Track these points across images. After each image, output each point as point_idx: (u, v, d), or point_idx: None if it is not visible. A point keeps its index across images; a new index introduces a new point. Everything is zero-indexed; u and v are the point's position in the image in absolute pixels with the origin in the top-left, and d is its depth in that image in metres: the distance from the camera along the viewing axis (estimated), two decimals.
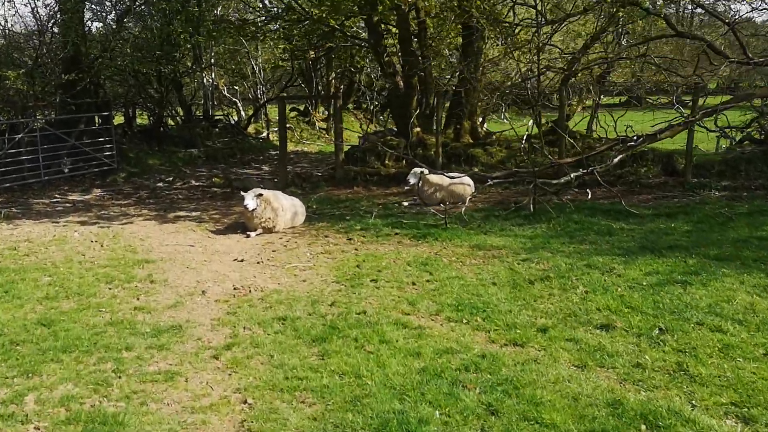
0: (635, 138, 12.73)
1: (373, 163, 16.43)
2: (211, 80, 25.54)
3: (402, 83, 16.69)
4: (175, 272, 8.60)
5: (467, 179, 13.43)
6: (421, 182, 13.26)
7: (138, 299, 7.45)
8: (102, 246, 10.14)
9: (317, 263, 8.93)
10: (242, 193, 11.24)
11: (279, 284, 7.96)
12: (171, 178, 18.39)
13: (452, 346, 5.79)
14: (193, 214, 13.23)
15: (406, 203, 13.47)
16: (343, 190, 15.79)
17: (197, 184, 17.84)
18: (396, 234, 10.57)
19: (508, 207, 12.75)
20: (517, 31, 14.25)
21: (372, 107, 35.20)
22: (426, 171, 13.20)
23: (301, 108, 32.33)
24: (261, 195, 11.09)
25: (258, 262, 9.10)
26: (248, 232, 11.01)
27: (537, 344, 5.81)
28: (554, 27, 12.92)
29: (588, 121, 16.93)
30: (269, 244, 10.29)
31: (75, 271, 8.68)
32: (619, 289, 7.24)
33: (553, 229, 10.45)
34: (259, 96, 28.48)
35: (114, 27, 19.21)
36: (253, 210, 10.95)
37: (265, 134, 26.90)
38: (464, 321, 6.42)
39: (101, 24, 21.28)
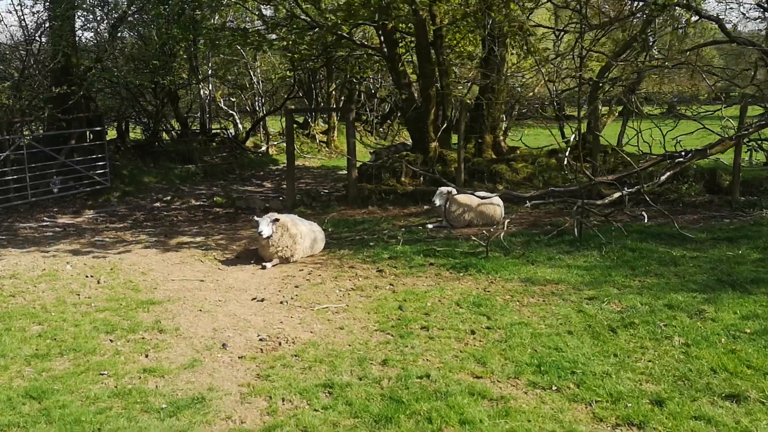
0: (683, 153, 11.67)
1: (388, 181, 15.24)
2: (208, 92, 24.31)
3: (418, 95, 15.54)
4: (186, 317, 7.36)
5: (497, 199, 12.28)
6: (448, 202, 12.09)
7: (146, 356, 6.20)
8: (99, 282, 8.87)
9: (350, 303, 7.72)
10: (256, 218, 10.03)
11: (312, 333, 6.74)
12: (169, 197, 17.13)
13: (553, 428, 4.59)
14: (197, 239, 11.99)
15: (430, 225, 12.29)
16: (357, 210, 14.59)
17: (197, 203, 16.59)
18: (431, 264, 9.38)
19: (544, 229, 11.63)
20: (558, 36, 13.12)
21: (372, 119, 34.11)
22: (453, 190, 12.04)
23: (300, 120, 31.17)
24: (277, 220, 9.89)
25: (281, 302, 7.87)
26: (264, 263, 9.79)
27: (660, 425, 4.62)
28: (598, 32, 11.77)
29: (618, 133, 15.82)
30: (289, 278, 9.06)
31: (69, 316, 7.42)
32: (723, 340, 6.07)
33: (608, 258, 9.28)
34: (257, 108, 27.28)
35: (107, 36, 17.95)
36: (268, 237, 9.75)
37: (264, 148, 25.67)
38: (553, 388, 5.22)
39: (93, 33, 20.02)
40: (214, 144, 24.38)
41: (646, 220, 10.43)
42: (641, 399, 4.96)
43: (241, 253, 10.82)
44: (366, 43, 18.54)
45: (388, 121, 36.05)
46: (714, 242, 10.09)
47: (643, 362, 5.66)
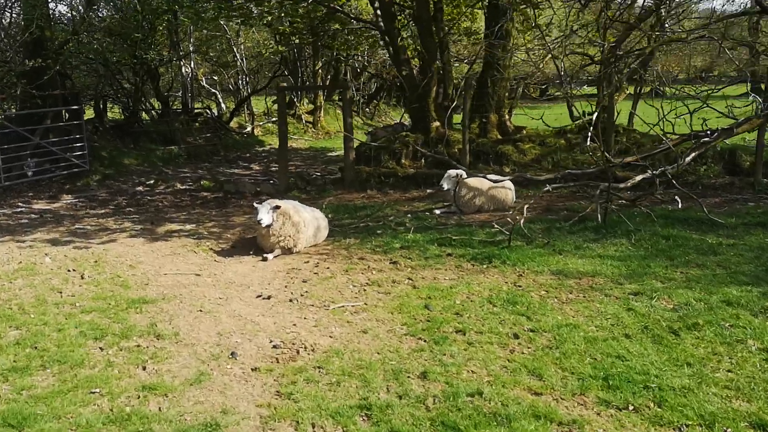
0: (709, 132, 10.97)
1: (388, 163, 14.39)
2: (190, 70, 23.18)
3: (417, 72, 14.67)
4: (185, 319, 6.49)
5: (508, 183, 11.50)
6: (457, 186, 11.28)
7: (144, 368, 5.34)
8: (83, 278, 7.95)
9: (369, 301, 6.90)
10: (255, 205, 9.14)
11: (332, 338, 5.92)
12: (152, 181, 16.13)
13: None
14: (187, 227, 11.07)
15: (438, 211, 11.48)
16: (355, 194, 13.74)
17: (183, 187, 15.63)
18: (449, 255, 8.58)
19: (560, 215, 10.89)
20: (581, 4, 12.24)
21: (358, 98, 33.14)
22: (463, 173, 11.23)
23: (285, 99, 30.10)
24: (278, 207, 9.01)
25: (290, 300, 7.03)
26: (264, 255, 8.92)
27: None
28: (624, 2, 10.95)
29: (630, 112, 15.07)
30: (295, 271, 8.21)
31: (51, 319, 6.52)
32: None
33: (640, 247, 8.55)
34: (240, 87, 26.18)
35: (83, 8, 16.79)
36: (268, 226, 8.88)
37: (249, 129, 24.65)
38: (630, 407, 4.45)
39: (67, 7, 18.80)
40: (196, 124, 23.33)
41: (679, 205, 9.68)
42: (738, 422, 4.22)
43: (237, 242, 9.94)
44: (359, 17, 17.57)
45: (375, 100, 35.11)
46: (746, 228, 9.42)
47: (723, 373, 4.91)
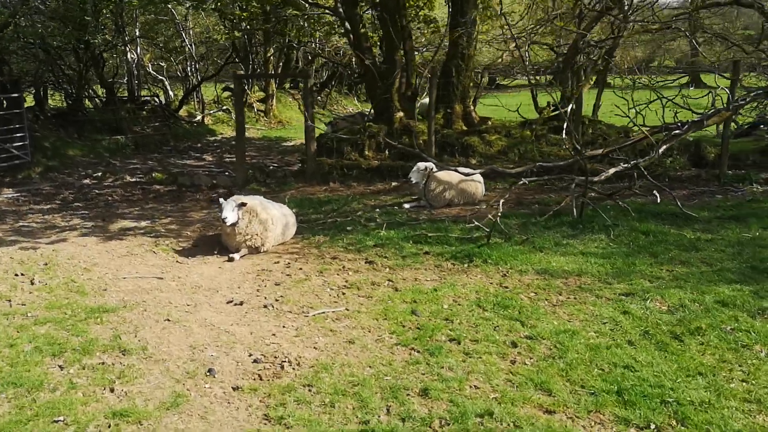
0: (679, 124, 10.85)
1: (350, 155, 13.92)
2: (135, 56, 22.18)
3: (381, 61, 14.22)
4: (152, 330, 5.95)
5: (478, 176, 11.19)
6: (426, 180, 10.91)
7: (112, 390, 4.80)
8: (32, 283, 7.30)
9: (350, 306, 6.47)
10: (221, 200, 8.59)
11: (317, 349, 5.48)
12: (99, 173, 15.31)
13: None
14: (142, 224, 10.42)
15: (407, 205, 11.10)
16: (317, 187, 13.25)
17: (133, 180, 14.88)
18: (426, 254, 8.21)
19: (531, 208, 10.67)
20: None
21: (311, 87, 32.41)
22: (433, 166, 10.87)
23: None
24: (244, 204, 8.48)
25: (265, 306, 6.55)
26: (231, 255, 8.39)
27: None
28: None
29: (594, 103, 14.93)
30: (266, 273, 7.72)
31: (0, 332, 5.90)
32: None
33: (621, 243, 8.35)
34: (189, 74, 25.24)
35: None
36: (233, 224, 8.35)
37: (199, 117, 23.79)
38: (652, 426, 4.16)
39: None
40: (144, 113, 22.37)
41: (658, 200, 9.52)
42: None
43: (199, 240, 9.37)
44: (318, 2, 16.95)
45: (326, 89, 34.48)
46: (720, 222, 9.33)
47: (738, 383, 4.68)
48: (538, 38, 14.17)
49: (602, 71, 13.31)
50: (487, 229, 8.51)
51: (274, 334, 5.81)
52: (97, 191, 13.65)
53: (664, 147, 10.59)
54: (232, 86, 29.68)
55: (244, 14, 14.82)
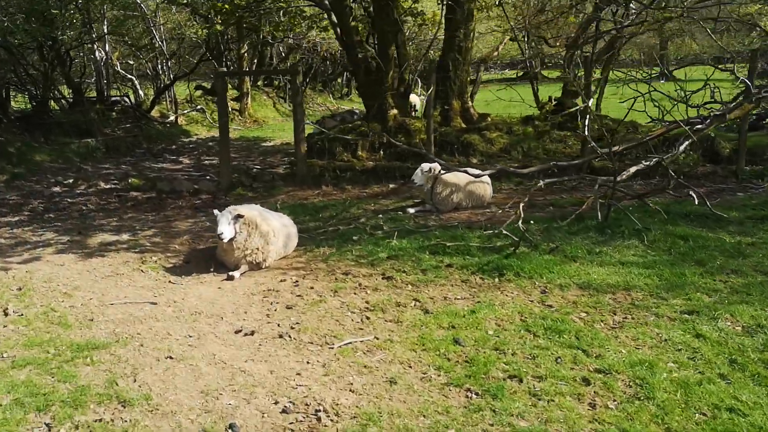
0: (701, 119, 10.22)
1: (342, 155, 13.06)
2: (104, 53, 21.00)
3: (373, 56, 13.36)
4: (153, 371, 5.05)
5: (486, 177, 10.42)
6: (433, 182, 10.11)
7: None
8: (6, 314, 6.33)
9: (379, 334, 5.64)
10: (215, 212, 7.68)
11: (354, 392, 4.63)
12: (70, 180, 14.21)
13: None
14: (124, 237, 9.45)
15: (411, 210, 10.29)
16: (309, 190, 12.37)
17: (107, 186, 13.81)
18: (448, 266, 7.41)
19: (545, 210, 9.96)
20: None
21: (284, 84, 31.45)
22: (438, 167, 10.07)
23: (207, 86, 28.15)
24: (241, 216, 7.58)
25: (280, 336, 5.69)
26: (229, 273, 7.49)
27: None
28: None
29: (597, 98, 14.24)
30: (273, 294, 6.85)
31: None
32: None
33: (659, 249, 7.65)
34: (160, 72, 24.07)
35: None
36: (231, 239, 7.46)
37: (172, 118, 22.68)
38: None
39: None
40: (114, 114, 21.19)
41: (696, 201, 8.83)
42: None
43: (190, 255, 8.45)
44: None
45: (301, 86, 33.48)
46: (754, 223, 8.72)
47: None
48: (534, 31, 13.44)
49: (607, 63, 12.59)
50: (516, 238, 7.73)
51: (298, 373, 4.95)
52: (69, 200, 12.57)
53: (687, 143, 9.98)
54: (204, 85, 28.62)
55: (227, 6, 13.84)
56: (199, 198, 12.47)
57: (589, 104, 9.16)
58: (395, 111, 13.26)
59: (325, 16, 15.17)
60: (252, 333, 5.78)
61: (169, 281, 7.38)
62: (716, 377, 4.60)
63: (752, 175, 11.27)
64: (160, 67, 23.68)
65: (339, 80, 38.93)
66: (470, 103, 13.90)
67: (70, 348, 5.47)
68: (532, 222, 8.95)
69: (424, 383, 4.72)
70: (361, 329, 5.79)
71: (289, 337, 5.66)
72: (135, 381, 4.88)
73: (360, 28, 13.99)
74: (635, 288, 6.48)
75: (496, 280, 6.93)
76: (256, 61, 28.25)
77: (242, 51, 25.18)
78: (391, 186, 12.26)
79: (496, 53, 14.71)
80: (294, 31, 20.59)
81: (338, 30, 13.92)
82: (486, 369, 4.84)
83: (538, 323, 5.67)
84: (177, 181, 13.47)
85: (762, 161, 11.79)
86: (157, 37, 22.14)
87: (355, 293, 6.73)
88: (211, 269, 7.73)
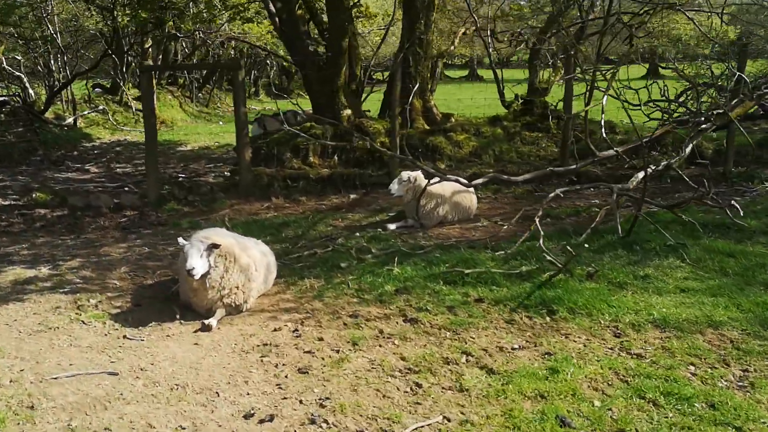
0: (701, 119, 9.38)
1: (292, 162, 11.43)
2: None
3: (324, 49, 11.81)
4: None
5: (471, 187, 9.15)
6: (415, 193, 8.73)
7: None
8: None
9: (448, 412, 4.18)
10: (181, 241, 5.96)
11: None
12: None
13: None
14: (43, 271, 7.49)
15: (392, 226, 8.85)
16: (257, 203, 10.68)
17: (6, 203, 11.53)
18: (478, 301, 6.05)
19: (541, 223, 8.75)
20: None
21: (190, 83, 29.12)
22: (422, 176, 8.71)
23: (107, 85, 25.50)
24: (216, 246, 5.89)
25: (312, 421, 4.12)
26: (204, 321, 5.78)
27: None
28: None
29: (564, 97, 13.26)
30: (272, 351, 5.23)
31: None
32: None
33: (710, 270, 6.61)
34: (53, 69, 21.35)
35: None
36: (204, 276, 5.78)
37: (71, 120, 20.11)
38: None
39: None
40: (2, 116, 18.48)
41: (741, 211, 7.85)
42: None
43: (139, 295, 6.66)
44: None
45: (208, 85, 31.21)
46: None
47: None
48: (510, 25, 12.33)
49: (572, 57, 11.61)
50: (559, 263, 6.44)
51: None
52: None
53: (692, 144, 9.12)
54: (104, 83, 25.95)
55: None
56: (124, 215, 10.52)
57: (604, 101, 8.02)
58: (349, 111, 11.75)
59: (257, 5, 13.46)
60: (271, 419, 4.18)
61: (125, 336, 5.59)
62: None
63: (741, 178, 10.58)
64: (53, 63, 20.98)
65: (247, 78, 36.76)
66: (432, 101, 12.58)
67: None
68: (544, 238, 7.72)
69: None
70: (418, 404, 4.32)
71: (326, 423, 4.11)
72: None
73: (307, 18, 12.38)
74: (722, 325, 5.34)
75: (547, 318, 5.62)
76: (161, 57, 25.85)
77: (146, 46, 22.81)
78: (351, 197, 10.78)
79: (453, 47, 13.52)
80: (215, 23, 18.56)
81: (277, 20, 12.24)
82: None
83: (646, 384, 4.39)
84: (93, 195, 11.39)
85: (746, 162, 11.15)
86: (50, 29, 19.53)
87: (380, 345, 5.23)
88: (177, 315, 6.00)
